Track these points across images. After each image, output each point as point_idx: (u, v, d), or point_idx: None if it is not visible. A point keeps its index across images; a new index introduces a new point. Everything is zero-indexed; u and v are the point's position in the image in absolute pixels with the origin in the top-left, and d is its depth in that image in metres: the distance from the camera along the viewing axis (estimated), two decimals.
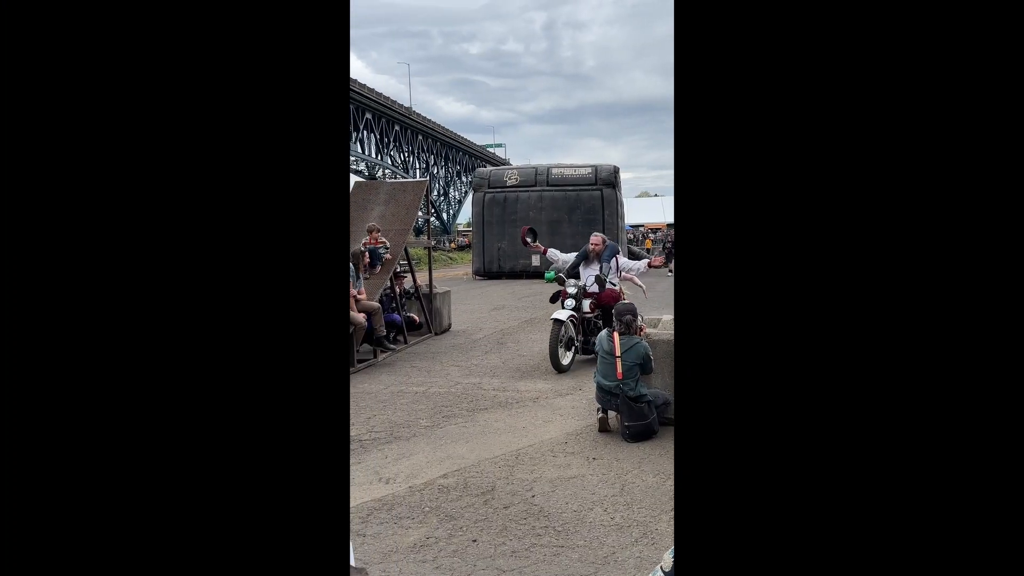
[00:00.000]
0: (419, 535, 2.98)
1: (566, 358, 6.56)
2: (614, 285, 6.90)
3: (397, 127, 47.86)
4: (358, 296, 6.83)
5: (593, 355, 6.09)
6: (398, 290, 8.16)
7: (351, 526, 3.07)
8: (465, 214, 51.27)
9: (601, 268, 6.91)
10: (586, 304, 6.82)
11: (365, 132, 45.02)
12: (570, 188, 18.58)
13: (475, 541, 2.91)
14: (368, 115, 44.36)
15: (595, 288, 6.82)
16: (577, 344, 6.71)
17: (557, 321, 6.45)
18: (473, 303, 12.11)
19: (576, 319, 6.68)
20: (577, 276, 6.94)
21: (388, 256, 7.88)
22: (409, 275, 8.56)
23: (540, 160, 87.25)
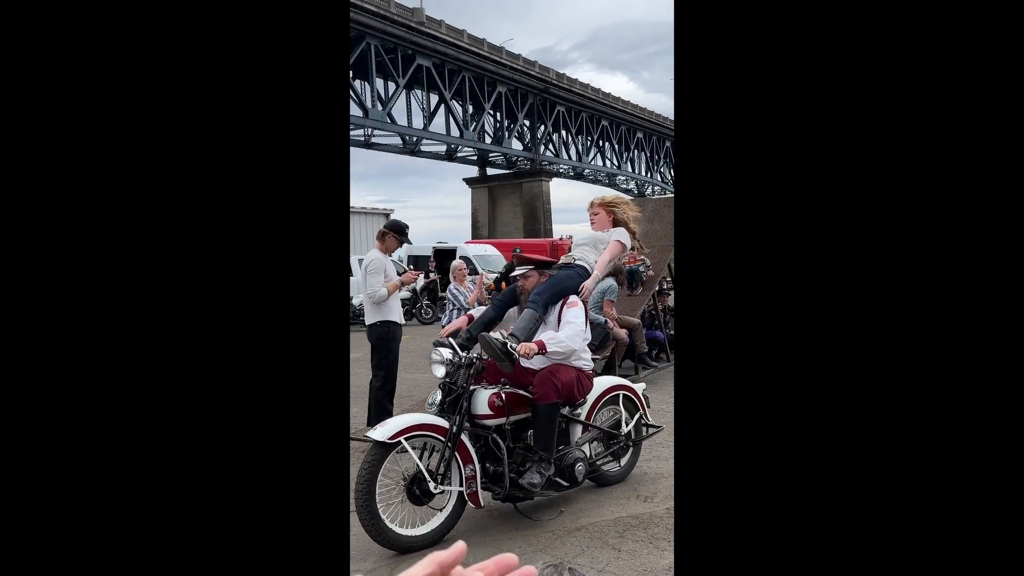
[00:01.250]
0: (674, 559, 2.92)
1: (419, 523, 3.07)
2: (576, 353, 3.33)
3: (668, 143, 47.69)
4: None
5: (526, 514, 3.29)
6: (660, 307, 8.10)
7: (606, 539, 3.13)
8: None
9: (520, 316, 3.39)
10: (483, 400, 3.16)
11: (636, 151, 45.70)
12: None
13: None
14: (639, 134, 45.00)
15: (515, 362, 3.14)
16: (461, 488, 3.04)
17: (379, 446, 2.94)
18: None
19: (446, 435, 3.05)
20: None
21: (650, 273, 7.88)
22: (673, 293, 8.45)
23: None
